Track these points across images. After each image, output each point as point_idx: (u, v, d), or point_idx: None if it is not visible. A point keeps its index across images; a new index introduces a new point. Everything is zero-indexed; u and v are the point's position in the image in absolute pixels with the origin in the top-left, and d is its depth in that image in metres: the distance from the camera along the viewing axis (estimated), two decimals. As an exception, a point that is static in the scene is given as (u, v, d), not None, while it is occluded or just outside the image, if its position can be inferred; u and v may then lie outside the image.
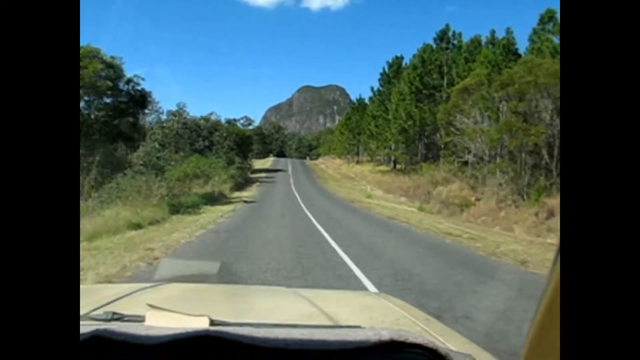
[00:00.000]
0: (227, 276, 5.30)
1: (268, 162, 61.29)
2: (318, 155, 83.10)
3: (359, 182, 39.17)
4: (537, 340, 0.65)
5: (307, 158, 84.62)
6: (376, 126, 41.03)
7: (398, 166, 40.58)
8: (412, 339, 0.69)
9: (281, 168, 49.20)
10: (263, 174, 41.31)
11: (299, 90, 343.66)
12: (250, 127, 59.69)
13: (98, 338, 0.70)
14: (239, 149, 37.94)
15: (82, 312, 0.99)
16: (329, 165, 56.37)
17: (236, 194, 23.92)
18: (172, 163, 24.70)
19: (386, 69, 41.62)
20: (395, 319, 1.29)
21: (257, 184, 32.31)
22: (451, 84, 30.71)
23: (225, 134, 32.73)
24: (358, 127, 48.84)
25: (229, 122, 40.55)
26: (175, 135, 28.51)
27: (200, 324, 0.83)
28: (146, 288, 1.51)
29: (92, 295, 1.36)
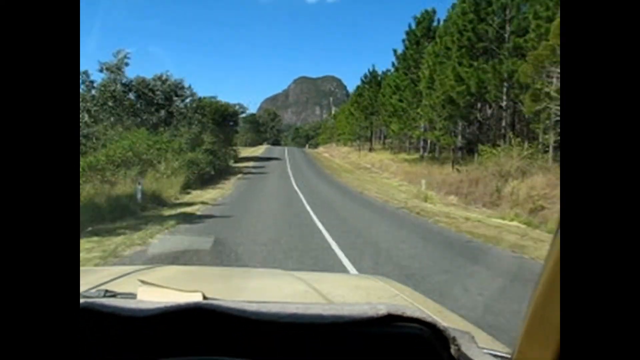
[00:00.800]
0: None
1: (260, 150, 51.17)
2: (317, 145, 74.40)
3: (380, 174, 29.30)
4: (537, 317, 0.66)
5: (307, 146, 74.96)
6: (400, 100, 31.09)
7: (429, 154, 30.74)
8: (409, 313, 0.68)
9: (276, 156, 39.29)
10: (251, 163, 31.51)
11: (295, 81, 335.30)
12: (243, 115, 52.23)
13: (88, 310, 0.70)
14: (219, 128, 27.96)
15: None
16: (333, 154, 46.45)
17: (193, 194, 13.99)
18: (105, 142, 15.13)
19: (413, 27, 31.40)
20: (392, 297, 1.28)
21: (239, 176, 22.39)
22: (520, 32, 20.81)
23: (194, 105, 22.51)
24: (372, 105, 38.87)
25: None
26: (113, 100, 18.38)
27: (193, 299, 0.80)
28: (142, 270, 1.50)
29: (88, 277, 1.35)
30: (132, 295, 0.90)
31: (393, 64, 33.42)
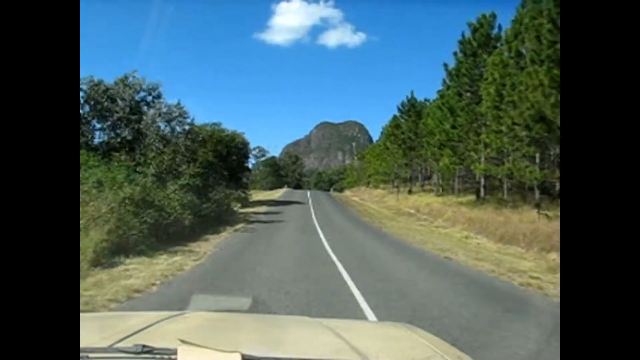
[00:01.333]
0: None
1: (278, 193, 44.74)
2: (342, 189, 67.95)
3: (432, 222, 22.01)
4: None
5: (331, 189, 68.27)
6: (453, 127, 24.30)
7: (488, 195, 23.56)
8: None
9: (297, 200, 32.69)
10: (263, 209, 24.68)
11: (317, 127, 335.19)
12: (263, 158, 47.53)
13: None
14: (223, 163, 21.59)
15: (109, 342, 1.00)
16: (364, 197, 39.42)
17: (109, 273, 6.53)
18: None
19: (467, 35, 25.13)
20: (426, 356, 1.23)
21: (240, 227, 15.30)
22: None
23: (185, 128, 16.09)
24: (411, 138, 32.17)
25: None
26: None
27: (232, 359, 0.85)
28: (174, 316, 1.51)
29: (119, 324, 1.38)
30: (170, 351, 0.91)
31: (444, 81, 26.78)
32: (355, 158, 62.40)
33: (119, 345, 0.99)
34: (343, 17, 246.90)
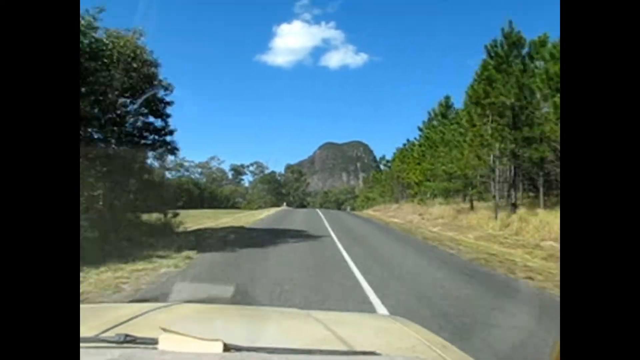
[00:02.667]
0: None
1: (265, 213, 27.79)
2: (353, 208, 57.57)
3: None
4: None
5: (348, 208, 52.34)
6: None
7: None
8: None
9: (298, 227, 16.01)
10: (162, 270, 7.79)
11: (320, 147, 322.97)
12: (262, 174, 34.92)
13: None
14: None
15: (94, 332, 1.00)
16: (399, 216, 23.38)
17: None
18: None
19: None
20: (411, 344, 1.24)
21: None
22: None
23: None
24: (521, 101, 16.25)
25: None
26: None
27: (214, 348, 0.84)
28: (159, 308, 1.49)
29: (105, 315, 1.36)
30: (153, 340, 0.90)
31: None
32: (382, 164, 46.44)
33: (103, 335, 0.99)
34: (345, 38, 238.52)
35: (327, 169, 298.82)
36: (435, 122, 29.24)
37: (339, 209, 61.39)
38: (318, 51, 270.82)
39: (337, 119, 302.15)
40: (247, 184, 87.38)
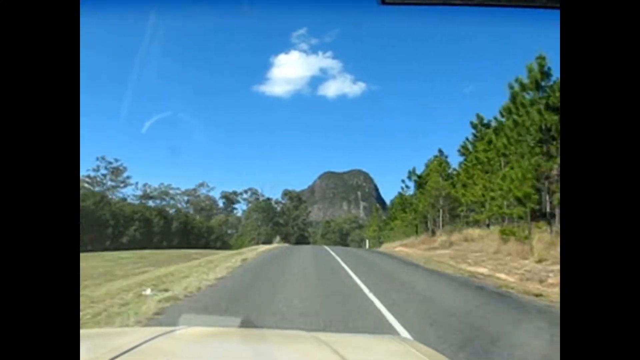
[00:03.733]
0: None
1: (244, 258, 16.05)
2: (362, 240, 51.41)
3: None
4: None
5: (366, 242, 40.82)
6: None
7: None
8: None
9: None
10: None
11: (320, 177, 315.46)
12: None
13: None
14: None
15: None
16: (487, 262, 12.27)
17: None
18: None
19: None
20: None
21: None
22: None
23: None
24: None
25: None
26: None
27: None
28: (167, 333, 1.45)
29: (107, 343, 1.33)
30: None
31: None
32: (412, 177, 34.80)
33: None
34: (342, 68, 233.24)
35: (328, 198, 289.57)
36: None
37: (345, 241, 50.89)
38: (316, 80, 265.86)
39: (337, 148, 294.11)
40: (240, 214, 76.41)
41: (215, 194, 76.75)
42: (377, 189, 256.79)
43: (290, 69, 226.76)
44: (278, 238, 44.20)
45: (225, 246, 46.92)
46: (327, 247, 29.09)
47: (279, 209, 67.59)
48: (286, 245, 34.48)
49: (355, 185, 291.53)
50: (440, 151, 30.06)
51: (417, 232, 30.19)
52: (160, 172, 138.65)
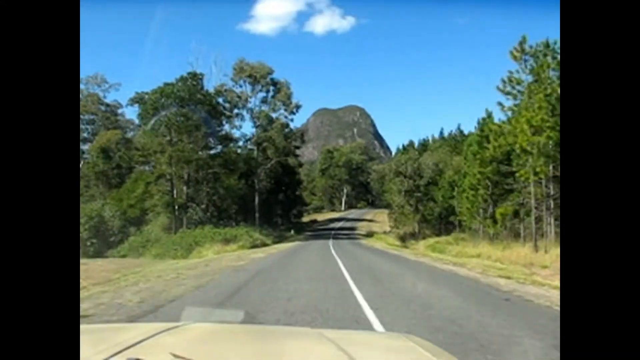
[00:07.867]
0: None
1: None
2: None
3: None
4: None
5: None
6: None
7: None
8: None
9: None
10: None
11: (314, 114, 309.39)
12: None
13: None
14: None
15: (103, 356, 0.99)
16: None
17: None
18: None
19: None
20: None
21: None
22: None
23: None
24: None
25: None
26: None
27: None
28: (170, 329, 1.47)
29: (114, 337, 1.33)
30: None
31: None
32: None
33: (112, 359, 0.99)
34: (330, 1, 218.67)
35: (323, 136, 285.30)
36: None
37: (366, 192, 40.83)
38: (302, 16, 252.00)
39: (329, 85, 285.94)
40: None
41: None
42: (374, 125, 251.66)
43: (274, 5, 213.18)
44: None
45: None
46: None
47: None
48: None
49: (351, 122, 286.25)
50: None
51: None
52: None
